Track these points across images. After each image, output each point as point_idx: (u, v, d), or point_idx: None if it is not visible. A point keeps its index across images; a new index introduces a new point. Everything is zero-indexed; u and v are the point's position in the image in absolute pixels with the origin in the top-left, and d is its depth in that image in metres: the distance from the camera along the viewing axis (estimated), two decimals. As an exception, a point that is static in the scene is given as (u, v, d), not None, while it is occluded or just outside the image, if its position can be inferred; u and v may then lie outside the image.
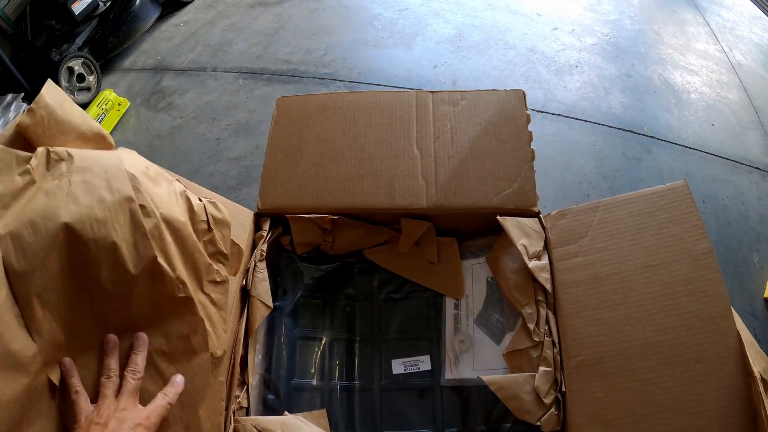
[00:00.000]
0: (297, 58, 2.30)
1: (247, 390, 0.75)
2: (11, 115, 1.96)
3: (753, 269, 1.53)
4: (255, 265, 0.82)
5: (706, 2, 2.71)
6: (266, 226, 0.88)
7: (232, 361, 0.75)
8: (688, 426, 0.64)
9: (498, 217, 0.82)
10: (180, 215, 0.64)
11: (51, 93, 0.60)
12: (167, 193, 0.65)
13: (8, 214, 0.54)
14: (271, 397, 0.78)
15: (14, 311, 0.52)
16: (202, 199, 0.72)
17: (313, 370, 0.84)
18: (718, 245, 1.56)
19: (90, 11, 2.26)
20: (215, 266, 0.70)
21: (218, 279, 0.70)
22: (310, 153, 0.93)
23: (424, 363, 0.85)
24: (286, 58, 2.31)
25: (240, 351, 0.76)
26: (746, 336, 0.70)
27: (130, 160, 0.63)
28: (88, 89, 2.23)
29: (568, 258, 0.79)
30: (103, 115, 2.04)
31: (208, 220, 0.70)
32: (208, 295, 0.68)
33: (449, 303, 0.88)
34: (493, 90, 0.97)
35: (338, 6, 2.62)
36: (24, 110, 1.98)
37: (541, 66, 2.19)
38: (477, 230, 0.90)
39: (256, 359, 0.79)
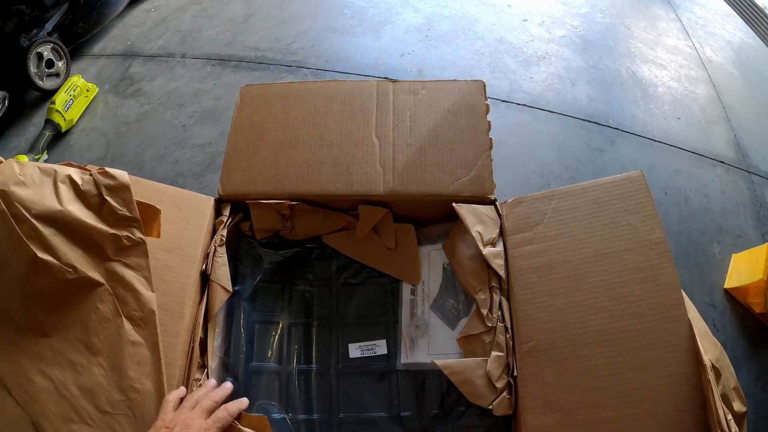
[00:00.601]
0: (265, 46, 2.29)
1: (207, 373, 0.77)
2: None
3: (713, 261, 1.56)
4: (215, 250, 0.84)
5: (680, -1, 2.75)
6: (226, 212, 0.89)
7: (192, 344, 0.78)
8: (638, 412, 0.65)
9: (454, 204, 0.83)
10: (56, 205, 0.72)
11: None
12: (40, 189, 0.73)
13: None
14: (229, 379, 0.79)
15: None
16: (93, 173, 0.76)
17: (271, 354, 0.85)
18: (679, 236, 1.59)
19: (61, -4, 2.21)
20: (123, 232, 0.75)
21: (128, 243, 0.75)
22: (271, 140, 0.93)
23: (380, 347, 0.86)
24: (255, 46, 2.30)
25: (199, 334, 0.78)
26: (700, 325, 0.73)
27: (2, 176, 0.71)
28: (57, 75, 2.18)
29: (523, 245, 0.81)
30: (71, 101, 1.99)
31: (100, 192, 0.75)
32: (119, 261, 0.75)
33: (406, 288, 0.89)
34: (454, 80, 0.99)
35: (311, -7, 2.61)
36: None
37: (509, 57, 2.20)
38: (434, 217, 0.92)
39: (215, 343, 0.80)
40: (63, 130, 1.97)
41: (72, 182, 0.75)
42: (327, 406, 0.83)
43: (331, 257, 0.93)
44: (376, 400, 0.83)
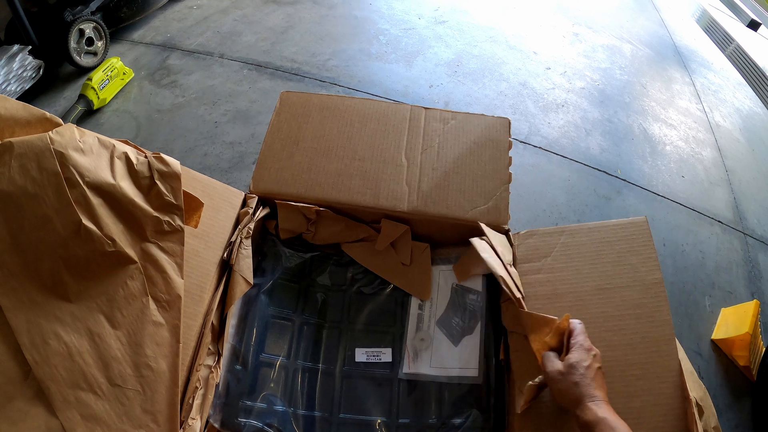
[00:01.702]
0: (302, 59, 2.34)
1: (219, 360, 0.80)
2: (16, 65, 1.95)
3: (703, 312, 1.61)
4: (240, 242, 0.87)
5: (696, 64, 2.84)
6: (252, 204, 0.93)
7: (203, 329, 0.80)
8: None
9: (471, 239, 0.88)
10: (109, 178, 0.74)
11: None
12: (97, 160, 0.75)
13: None
14: (238, 367, 0.83)
15: None
16: (148, 156, 0.79)
17: (281, 348, 0.88)
18: (672, 286, 1.64)
19: (109, -23, 2.27)
20: (165, 217, 0.78)
21: (168, 229, 0.78)
22: (305, 147, 0.99)
23: (385, 355, 0.90)
24: (292, 57, 2.35)
25: (211, 320, 0.81)
26: (687, 365, 0.78)
27: (62, 138, 0.74)
28: (95, 54, 2.23)
29: (532, 274, 0.86)
30: (107, 81, 2.04)
31: (152, 175, 0.78)
32: (155, 243, 0.77)
33: (414, 303, 0.94)
34: (482, 114, 1.05)
35: (348, 16, 2.67)
36: (29, 64, 2.00)
37: (530, 101, 2.27)
38: (450, 240, 0.97)
39: (229, 330, 0.84)
40: (95, 108, 2.01)
41: (128, 160, 0.78)
42: (329, 404, 0.86)
43: (348, 265, 0.98)
44: (376, 404, 0.86)
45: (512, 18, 2.86)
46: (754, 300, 1.56)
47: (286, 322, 0.91)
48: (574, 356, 0.66)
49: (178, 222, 0.79)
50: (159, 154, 0.80)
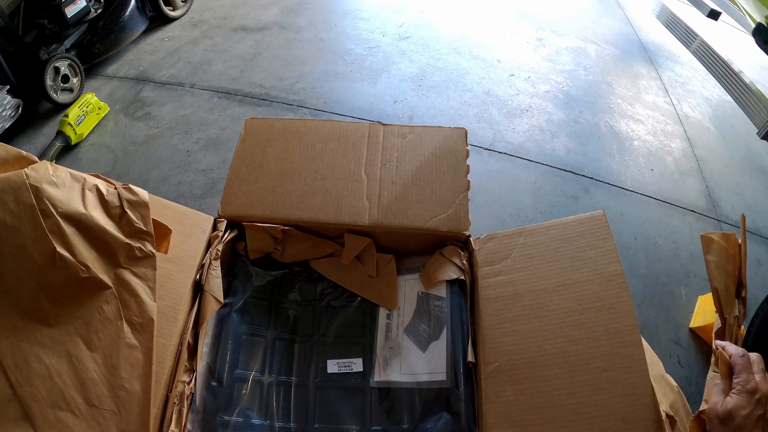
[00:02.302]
0: (270, 84, 2.39)
1: (195, 377, 0.83)
2: None
3: (680, 302, 1.63)
4: (210, 263, 0.91)
5: (663, 59, 2.90)
6: (222, 227, 0.96)
7: (180, 347, 0.84)
8: (593, 428, 0.69)
9: None
10: (81, 208, 0.78)
11: None
12: (69, 192, 0.79)
13: None
14: (214, 384, 0.85)
15: None
16: (117, 186, 0.83)
17: (254, 364, 0.90)
18: (646, 279, 1.67)
19: (82, 16, 2.32)
20: (136, 244, 0.81)
21: (139, 254, 0.81)
22: (269, 170, 1.02)
23: (356, 365, 0.92)
24: (260, 83, 2.39)
25: (187, 339, 0.84)
26: (657, 369, 0.77)
27: (37, 173, 0.78)
28: (71, 90, 2.27)
29: (492, 276, 0.88)
30: (83, 116, 2.08)
31: (122, 204, 0.81)
32: (128, 269, 0.80)
33: (383, 313, 0.96)
34: (438, 127, 1.08)
35: (315, 39, 2.73)
36: (8, 103, 2.02)
37: (494, 108, 2.32)
38: (414, 249, 1.00)
39: (204, 348, 0.86)
40: (72, 143, 2.05)
41: (98, 191, 0.81)
42: (304, 416, 0.88)
43: (317, 281, 1.00)
44: (349, 413, 0.88)
45: (476, 28, 2.91)
46: None
47: (258, 338, 0.93)
48: (732, 402, 0.60)
49: (149, 248, 0.81)
50: (128, 185, 0.83)
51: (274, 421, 0.86)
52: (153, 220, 0.83)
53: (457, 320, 0.89)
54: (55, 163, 1.94)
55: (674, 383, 0.93)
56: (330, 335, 0.96)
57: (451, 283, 0.93)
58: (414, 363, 0.89)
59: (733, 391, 0.61)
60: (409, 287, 0.97)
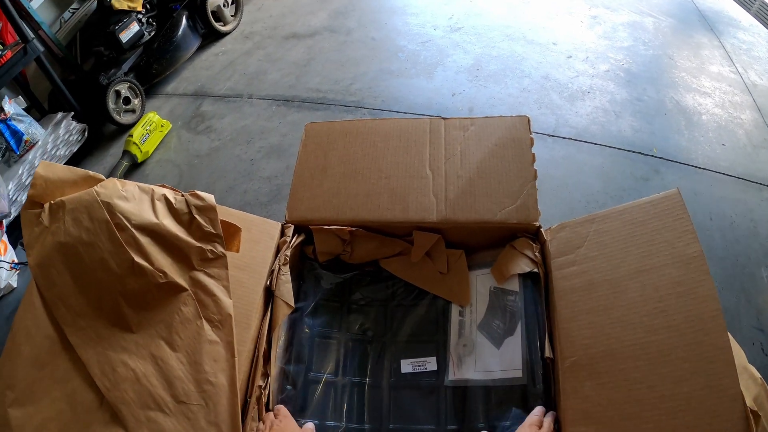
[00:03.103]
0: (326, 87, 2.42)
1: (269, 381, 0.84)
2: (62, 131, 2.11)
3: (761, 284, 1.53)
4: (279, 269, 0.92)
5: (723, 25, 2.73)
6: (289, 232, 0.98)
7: (256, 353, 0.86)
8: (676, 423, 0.65)
9: None
10: (153, 218, 0.82)
11: (43, 167, 0.85)
12: (140, 204, 0.84)
13: (34, 253, 0.82)
14: (288, 387, 0.87)
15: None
16: (184, 194, 0.86)
17: (328, 366, 0.91)
18: (724, 261, 1.58)
19: (136, 40, 2.44)
20: (207, 246, 0.84)
21: (211, 256, 0.84)
22: (333, 173, 1.03)
23: (430, 364, 0.91)
24: (316, 87, 2.43)
25: (263, 345, 0.86)
26: (740, 360, 0.71)
27: (107, 190, 0.83)
28: (133, 111, 2.40)
29: (566, 267, 0.85)
30: (147, 135, 2.18)
31: (190, 211, 0.84)
32: (202, 271, 0.84)
33: (455, 310, 0.95)
34: (500, 117, 1.06)
35: (366, 39, 2.74)
36: (74, 128, 2.14)
37: (554, 93, 2.25)
38: (483, 243, 0.99)
39: (277, 352, 0.88)
40: (139, 161, 2.16)
41: (167, 200, 0.85)
42: (378, 417, 0.87)
43: (386, 280, 1.00)
44: (424, 413, 0.87)
45: (526, 12, 2.84)
46: None
47: (331, 341, 0.94)
48: None
49: (220, 249, 0.85)
50: (194, 191, 0.86)
51: (348, 422, 0.87)
52: (221, 221, 0.86)
53: (531, 314, 0.86)
54: (126, 180, 2.06)
55: (758, 375, 0.86)
56: (402, 334, 0.95)
57: (524, 276, 0.90)
58: (488, 360, 0.87)
59: None
60: (481, 283, 0.95)
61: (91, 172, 0.87)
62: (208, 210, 0.85)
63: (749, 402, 0.66)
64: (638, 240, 0.81)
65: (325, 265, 1.01)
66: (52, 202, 0.84)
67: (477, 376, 0.86)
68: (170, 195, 0.86)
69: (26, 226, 0.83)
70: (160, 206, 0.85)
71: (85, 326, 0.80)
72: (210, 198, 0.86)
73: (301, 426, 0.80)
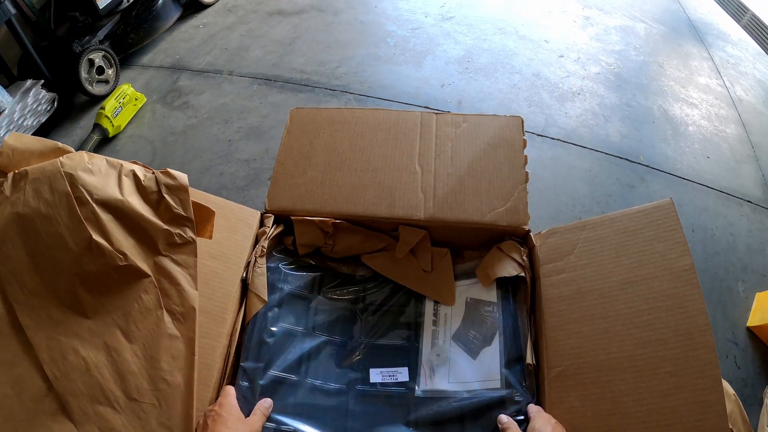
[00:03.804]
0: (311, 69, 2.35)
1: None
2: (30, 99, 2.00)
3: (737, 298, 1.56)
4: (255, 261, 0.88)
5: (712, 37, 2.77)
6: (269, 223, 0.93)
7: (228, 349, 0.81)
8: None
9: None
10: (118, 194, 0.77)
11: (13, 137, 0.80)
12: (105, 179, 0.78)
13: None
14: (245, 384, 0.80)
15: None
16: (155, 172, 0.81)
17: (289, 366, 0.85)
18: (703, 274, 1.60)
19: (113, 6, 2.32)
20: (176, 230, 0.78)
21: (179, 241, 0.79)
22: (318, 162, 0.99)
23: (401, 374, 0.86)
24: (301, 68, 2.36)
25: (236, 339, 0.82)
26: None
27: (72, 161, 0.77)
28: (107, 82, 2.29)
29: (554, 274, 0.84)
30: (120, 108, 2.09)
31: (160, 190, 0.79)
32: (168, 256, 0.78)
33: (428, 319, 0.91)
34: (494, 115, 1.03)
35: (354, 21, 2.67)
36: (43, 97, 2.04)
37: (545, 91, 2.25)
38: (470, 244, 0.96)
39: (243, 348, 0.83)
40: (110, 135, 2.06)
41: (135, 176, 0.79)
42: (342, 426, 0.81)
43: (361, 282, 0.96)
44: (392, 422, 0.81)
45: (520, 7, 2.83)
46: None
47: (294, 339, 0.88)
48: (537, 423, 0.70)
49: (190, 234, 0.79)
50: (166, 169, 0.81)
51: (310, 426, 0.81)
52: (194, 203, 0.80)
53: (509, 327, 0.84)
54: (95, 154, 1.97)
55: (731, 391, 0.87)
56: (373, 341, 0.90)
57: (502, 287, 0.89)
58: (463, 371, 0.84)
59: (533, 418, 0.70)
60: (457, 293, 0.93)
61: (60, 144, 0.82)
62: (179, 190, 0.80)
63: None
64: (629, 250, 0.80)
65: (299, 259, 0.96)
66: (15, 171, 0.78)
67: (451, 387, 0.82)
68: (140, 171, 0.80)
69: None
70: (127, 182, 0.79)
71: (38, 306, 0.74)
72: (183, 177, 0.80)
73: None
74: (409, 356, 0.88)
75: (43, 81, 2.08)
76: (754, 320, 1.49)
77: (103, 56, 2.26)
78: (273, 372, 0.83)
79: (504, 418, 0.74)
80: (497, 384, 0.79)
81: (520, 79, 2.31)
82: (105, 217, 0.75)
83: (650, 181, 1.87)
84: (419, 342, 0.89)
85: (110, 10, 2.32)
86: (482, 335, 0.85)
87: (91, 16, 2.29)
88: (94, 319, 0.74)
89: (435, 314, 0.91)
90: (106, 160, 0.80)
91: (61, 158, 0.77)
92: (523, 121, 1.01)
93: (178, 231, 0.78)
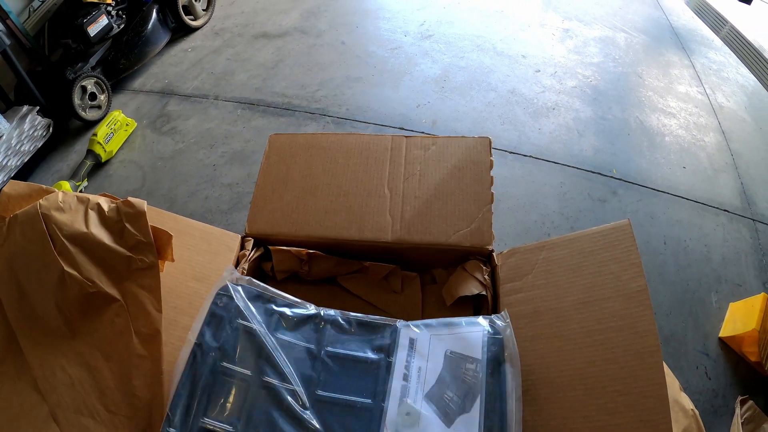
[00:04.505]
0: (292, 92, 2.40)
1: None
2: (26, 126, 2.06)
3: (710, 310, 1.57)
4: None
5: (695, 44, 2.78)
6: (249, 246, 0.97)
7: None
8: None
9: None
10: (83, 228, 0.85)
11: (10, 185, 0.90)
12: (74, 215, 0.86)
13: None
14: (171, 430, 0.72)
15: None
16: (116, 201, 0.88)
17: (226, 415, 0.73)
18: (675, 286, 1.61)
19: (104, 33, 2.38)
20: (138, 256, 0.84)
21: (141, 266, 0.84)
22: (294, 187, 1.04)
23: None
24: (282, 92, 2.40)
25: None
26: (671, 392, 0.75)
27: (48, 202, 0.86)
28: (99, 107, 2.34)
29: (513, 293, 0.87)
30: (111, 134, 2.14)
31: (121, 219, 0.86)
32: (133, 281, 0.84)
33: (398, 372, 0.77)
34: (462, 137, 1.07)
35: (336, 42, 2.72)
36: (39, 123, 2.10)
37: (519, 108, 2.27)
38: (439, 264, 1.00)
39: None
40: (103, 161, 2.12)
41: (99, 209, 0.87)
42: None
43: (321, 321, 0.83)
44: None
45: (499, 22, 2.87)
46: (762, 294, 1.51)
47: (236, 382, 0.76)
48: None
49: (151, 258, 0.84)
50: (128, 199, 0.86)
51: None
52: (153, 227, 0.85)
53: (494, 392, 0.73)
54: (87, 180, 2.02)
55: (689, 406, 0.89)
56: (330, 392, 0.76)
57: (489, 341, 0.77)
58: None
59: None
60: (434, 344, 0.80)
61: (44, 186, 0.90)
62: (137, 217, 0.85)
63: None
64: (585, 271, 0.83)
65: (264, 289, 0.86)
66: (10, 216, 0.88)
67: None
68: (104, 204, 0.87)
69: None
70: (93, 215, 0.87)
71: (31, 330, 0.84)
72: (140, 204, 0.86)
73: None
74: (371, 415, 0.73)
75: (38, 108, 2.13)
76: (726, 330, 1.51)
77: (95, 82, 2.31)
78: (205, 420, 0.72)
79: None
80: None
81: (495, 97, 2.33)
82: (74, 250, 0.83)
83: (622, 195, 1.88)
84: (385, 399, 0.74)
85: (101, 36, 2.38)
86: (460, 398, 0.73)
87: (83, 43, 2.34)
88: (77, 340, 0.82)
89: (407, 366, 0.77)
90: (77, 196, 0.88)
91: (40, 200, 0.86)
92: (491, 142, 1.05)
93: (140, 257, 0.84)
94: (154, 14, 2.60)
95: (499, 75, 2.46)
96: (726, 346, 1.50)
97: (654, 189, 1.93)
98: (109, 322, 0.82)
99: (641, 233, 1.75)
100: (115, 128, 2.16)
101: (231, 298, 0.82)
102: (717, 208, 1.88)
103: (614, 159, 2.03)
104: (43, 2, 2.50)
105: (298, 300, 0.85)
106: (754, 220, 1.85)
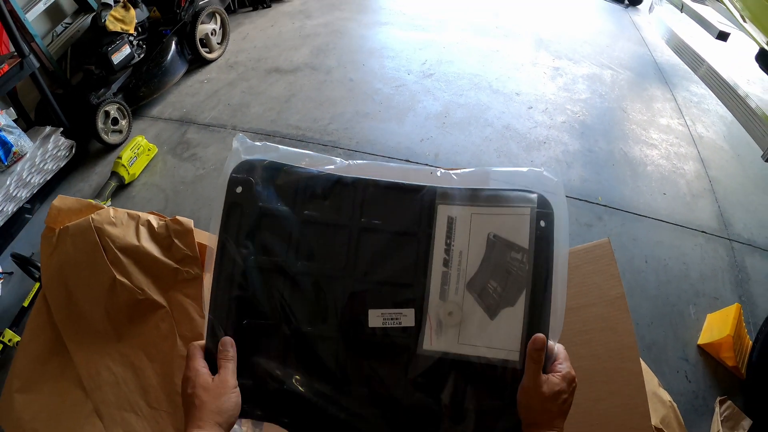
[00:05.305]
0: (305, 125, 2.53)
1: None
2: (50, 146, 2.15)
3: (689, 321, 1.70)
4: None
5: (678, 78, 2.95)
6: None
7: None
8: None
9: None
10: (135, 241, 0.96)
11: (59, 200, 1.01)
12: (126, 229, 0.97)
13: (45, 269, 0.97)
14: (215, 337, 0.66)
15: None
16: (165, 219, 0.99)
17: (267, 309, 0.67)
18: (656, 299, 1.75)
19: (126, 62, 2.50)
20: (184, 268, 0.95)
21: (188, 277, 0.96)
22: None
23: (407, 318, 0.67)
24: (296, 124, 2.53)
25: None
26: (650, 386, 0.85)
27: (100, 217, 0.97)
28: (120, 132, 2.46)
29: None
30: (135, 158, 2.26)
31: (170, 235, 0.97)
32: (179, 291, 0.95)
33: (437, 256, 0.68)
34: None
35: (344, 79, 2.87)
36: (63, 144, 2.21)
37: (513, 142, 2.42)
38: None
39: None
40: (126, 183, 2.25)
41: (149, 225, 0.98)
42: (332, 378, 0.67)
43: (353, 187, 0.70)
44: (388, 378, 0.67)
45: (495, 62, 3.03)
46: (736, 304, 1.64)
47: (272, 273, 0.68)
48: (558, 383, 0.62)
49: (197, 270, 0.95)
50: (176, 217, 0.97)
51: (299, 380, 0.67)
52: (200, 244, 0.97)
53: (540, 283, 0.66)
54: (111, 200, 2.17)
55: (667, 398, 1.02)
56: (370, 273, 0.68)
57: (538, 227, 0.67)
58: (477, 331, 0.66)
59: (558, 374, 0.63)
60: (476, 224, 0.67)
61: (92, 201, 1.02)
62: (186, 234, 0.97)
63: (656, 422, 0.82)
64: (571, 282, 0.91)
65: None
66: (60, 227, 0.98)
67: (460, 350, 0.66)
68: (154, 221, 0.99)
69: (42, 248, 0.99)
70: (144, 231, 0.98)
71: (78, 333, 0.93)
72: (189, 223, 0.97)
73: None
74: (414, 297, 0.67)
75: (62, 129, 2.22)
76: (704, 338, 1.64)
77: (118, 108, 2.42)
78: (248, 321, 0.68)
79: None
80: (515, 356, 0.65)
81: (492, 132, 2.48)
82: (125, 261, 0.94)
83: (607, 220, 2.02)
84: (425, 286, 0.67)
85: (123, 65, 2.49)
86: (504, 290, 0.66)
87: (106, 70, 2.45)
88: (122, 342, 0.93)
89: (447, 251, 0.68)
90: (128, 213, 0.99)
91: (92, 215, 0.97)
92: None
93: (186, 269, 0.96)
94: (173, 46, 2.72)
95: (495, 111, 2.61)
96: (705, 352, 1.62)
97: (636, 214, 2.06)
98: (155, 327, 0.93)
99: (624, 254, 1.88)
100: (138, 152, 2.28)
101: (249, 182, 0.74)
102: (695, 229, 2.01)
103: (600, 187, 2.17)
104: (66, 28, 2.63)
105: (321, 158, 0.74)
106: (730, 239, 1.99)
